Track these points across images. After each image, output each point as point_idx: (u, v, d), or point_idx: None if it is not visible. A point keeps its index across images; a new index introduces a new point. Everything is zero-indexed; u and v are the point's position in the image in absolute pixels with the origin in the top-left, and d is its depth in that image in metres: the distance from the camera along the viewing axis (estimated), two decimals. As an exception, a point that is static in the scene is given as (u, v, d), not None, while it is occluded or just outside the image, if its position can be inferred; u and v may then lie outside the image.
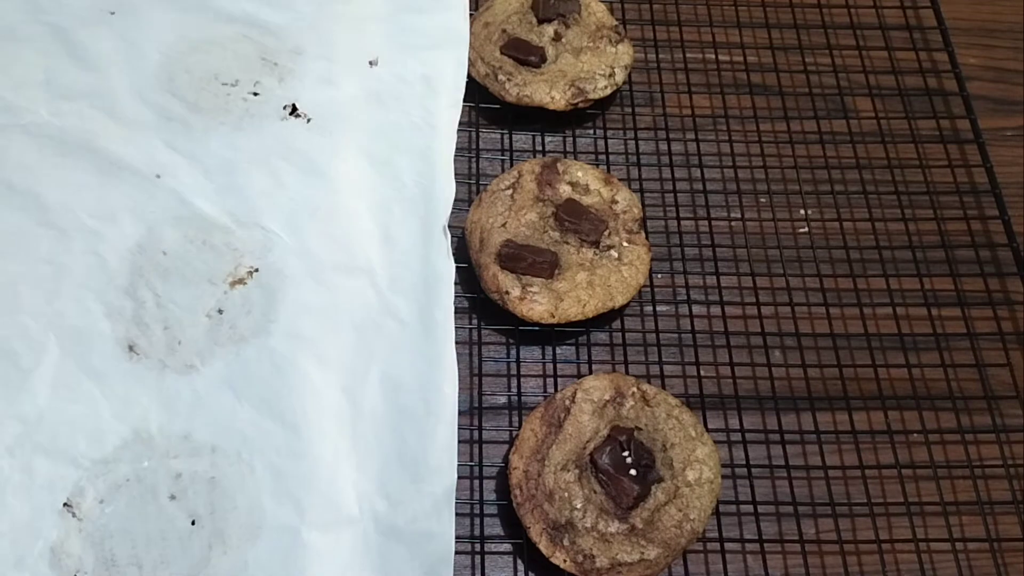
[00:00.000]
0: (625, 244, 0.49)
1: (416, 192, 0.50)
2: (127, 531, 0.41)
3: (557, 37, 0.56)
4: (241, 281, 0.47)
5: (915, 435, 0.48)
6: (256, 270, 0.47)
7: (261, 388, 0.44)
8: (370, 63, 0.54)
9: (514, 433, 0.46)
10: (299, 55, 0.55)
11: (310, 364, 0.45)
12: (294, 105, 0.52)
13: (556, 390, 0.45)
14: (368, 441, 0.43)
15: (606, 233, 0.48)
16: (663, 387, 0.47)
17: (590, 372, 0.48)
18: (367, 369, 0.45)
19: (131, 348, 0.45)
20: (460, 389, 0.45)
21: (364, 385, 0.44)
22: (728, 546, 0.44)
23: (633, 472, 0.41)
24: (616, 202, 0.50)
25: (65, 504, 0.41)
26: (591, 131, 0.56)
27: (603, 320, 0.49)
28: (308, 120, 0.52)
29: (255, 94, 0.53)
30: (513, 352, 0.49)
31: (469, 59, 0.55)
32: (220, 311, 0.46)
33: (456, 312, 0.47)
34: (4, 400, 0.43)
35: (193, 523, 0.41)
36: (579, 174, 0.50)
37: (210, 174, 0.50)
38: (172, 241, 0.48)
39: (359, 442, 0.43)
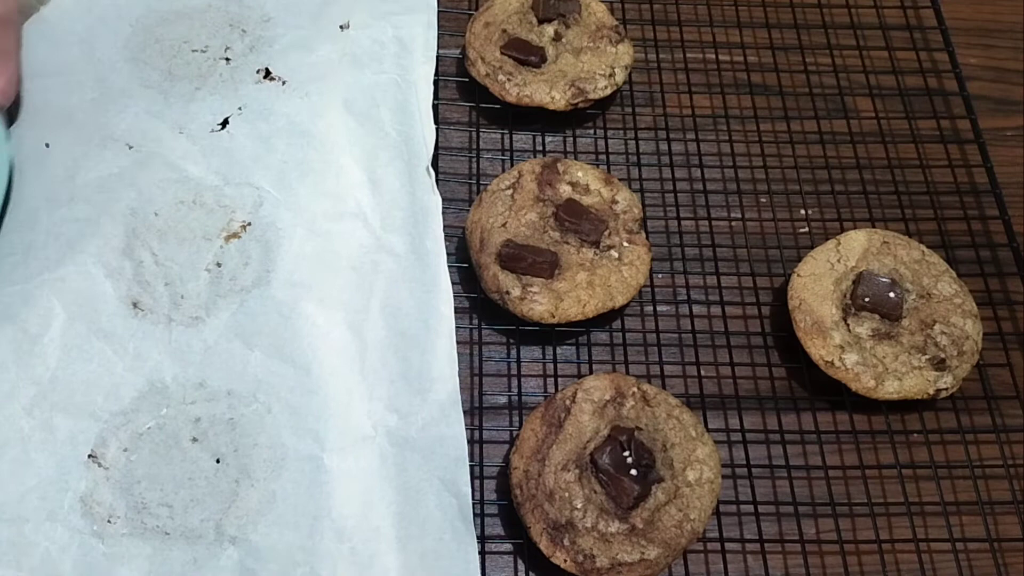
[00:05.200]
0: (625, 244, 0.49)
1: (399, 139, 0.52)
2: (154, 476, 0.42)
3: (557, 37, 0.56)
4: (235, 235, 0.48)
5: (915, 435, 0.48)
6: (249, 224, 0.49)
7: (268, 334, 0.46)
8: (341, 27, 0.55)
9: (514, 433, 0.46)
10: (267, 22, 0.56)
11: (312, 307, 0.47)
12: (267, 69, 0.53)
13: (556, 390, 0.45)
14: (376, 368, 0.45)
15: (606, 233, 0.48)
16: (663, 387, 0.47)
17: (590, 372, 0.48)
18: (368, 304, 0.47)
19: (135, 305, 0.46)
20: (460, 389, 0.45)
21: (367, 319, 0.46)
22: (728, 546, 0.44)
23: (633, 472, 0.41)
24: (616, 202, 0.50)
25: (90, 455, 0.43)
26: (591, 131, 0.56)
27: (603, 320, 0.49)
28: (284, 83, 0.53)
29: (227, 60, 0.54)
30: (513, 352, 0.49)
31: (469, 58, 0.55)
32: (219, 264, 0.48)
33: (456, 312, 0.47)
34: (16, 365, 0.44)
35: (218, 461, 0.43)
36: (579, 174, 0.50)
37: (193, 137, 0.52)
38: (163, 203, 0.50)
39: (367, 371, 0.45)
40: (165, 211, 0.49)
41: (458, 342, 0.46)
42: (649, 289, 0.51)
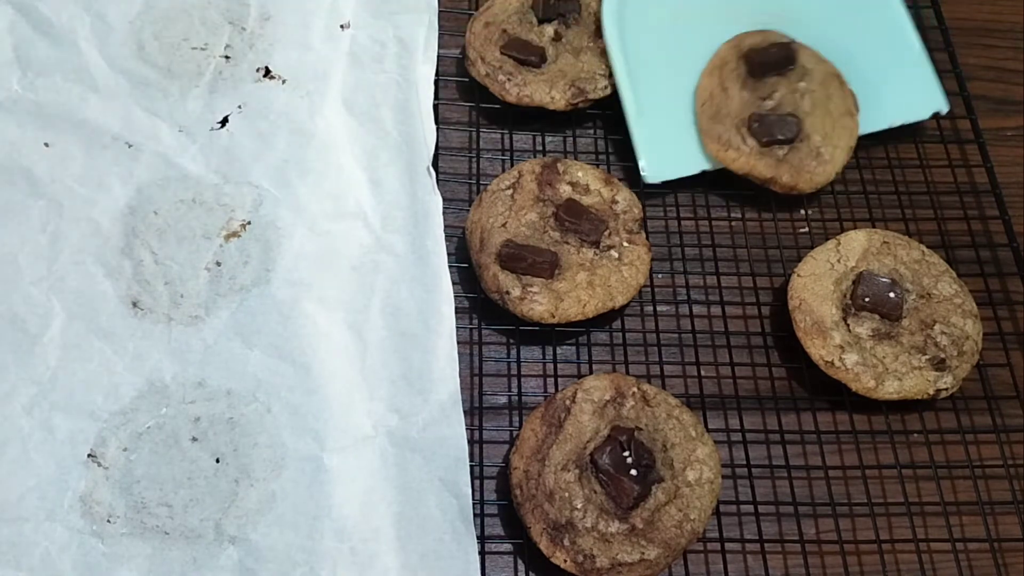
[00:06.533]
0: (625, 244, 0.49)
1: (399, 139, 0.52)
2: (154, 475, 0.43)
3: (557, 37, 0.56)
4: (235, 234, 0.48)
5: (915, 435, 0.48)
6: (248, 223, 0.49)
7: (268, 333, 0.46)
8: (341, 27, 0.56)
9: (514, 433, 0.46)
10: (267, 20, 0.56)
11: (312, 306, 0.47)
12: (267, 68, 0.53)
13: (556, 390, 0.45)
14: (376, 368, 0.45)
15: (606, 233, 0.48)
16: (663, 387, 0.47)
17: (590, 372, 0.48)
18: (368, 303, 0.47)
19: (135, 305, 0.46)
20: (460, 389, 0.45)
21: (367, 318, 0.47)
22: (728, 546, 0.44)
23: (633, 472, 0.41)
24: (616, 202, 0.50)
25: (89, 455, 0.43)
26: (591, 131, 0.56)
27: (603, 320, 0.49)
28: (284, 81, 0.54)
29: (226, 57, 0.54)
30: (513, 352, 0.49)
31: (469, 58, 0.55)
32: (218, 263, 0.48)
33: (456, 312, 0.47)
34: (16, 365, 0.44)
35: (217, 461, 0.43)
36: (579, 174, 0.50)
37: (192, 135, 0.52)
38: (162, 201, 0.50)
39: (368, 371, 0.45)
40: (164, 210, 0.49)
41: (458, 342, 0.46)
42: (649, 289, 0.51)
